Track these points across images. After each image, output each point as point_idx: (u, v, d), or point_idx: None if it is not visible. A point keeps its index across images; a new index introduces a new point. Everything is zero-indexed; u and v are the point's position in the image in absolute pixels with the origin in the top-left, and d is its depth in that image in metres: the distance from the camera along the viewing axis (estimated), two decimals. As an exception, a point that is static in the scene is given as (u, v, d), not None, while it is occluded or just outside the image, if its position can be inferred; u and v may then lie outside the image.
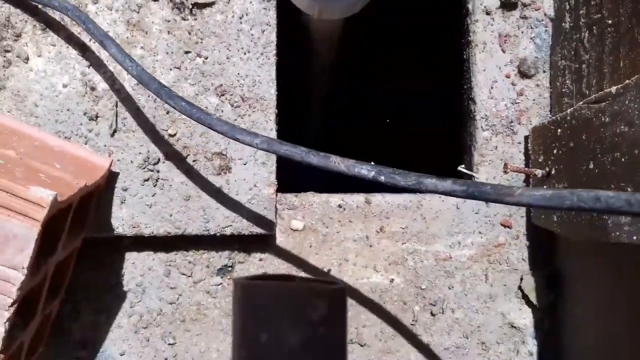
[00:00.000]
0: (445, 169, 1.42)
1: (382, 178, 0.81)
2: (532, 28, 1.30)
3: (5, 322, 0.89)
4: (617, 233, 0.93)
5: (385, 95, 2.18)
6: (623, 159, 0.92)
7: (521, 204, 0.67)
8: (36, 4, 1.11)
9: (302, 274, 1.27)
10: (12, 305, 0.89)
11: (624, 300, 1.06)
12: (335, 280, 0.66)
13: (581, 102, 1.07)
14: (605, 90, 0.98)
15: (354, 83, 2.07)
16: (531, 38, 1.30)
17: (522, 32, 1.30)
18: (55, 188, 0.92)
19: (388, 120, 2.10)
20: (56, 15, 1.13)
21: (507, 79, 1.30)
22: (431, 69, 1.96)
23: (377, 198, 1.31)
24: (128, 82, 1.14)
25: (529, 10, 1.29)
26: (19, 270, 0.87)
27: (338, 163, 0.83)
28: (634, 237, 0.88)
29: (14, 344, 0.96)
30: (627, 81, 0.92)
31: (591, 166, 1.02)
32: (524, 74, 1.30)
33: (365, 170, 0.82)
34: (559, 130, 1.14)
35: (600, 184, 0.98)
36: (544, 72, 1.30)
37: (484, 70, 1.30)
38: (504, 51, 1.30)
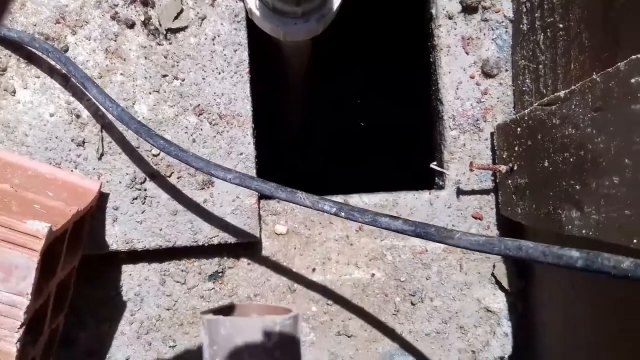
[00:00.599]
0: (418, 163, 1.50)
1: (343, 214, 0.90)
2: (493, 30, 1.36)
3: (16, 343, 0.97)
4: (569, 227, 1.01)
5: (361, 102, 2.26)
6: (572, 159, 1.00)
7: (459, 246, 0.78)
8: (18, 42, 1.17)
9: (288, 276, 1.36)
10: (20, 327, 0.97)
11: (583, 282, 1.15)
12: (289, 308, 0.75)
13: (536, 104, 1.14)
14: (555, 94, 1.05)
15: (326, 89, 2.14)
16: (493, 39, 1.36)
17: (484, 34, 1.36)
18: (50, 217, 1.00)
19: (362, 124, 2.18)
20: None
21: (472, 79, 1.37)
22: (401, 72, 2.03)
23: (355, 199, 1.39)
24: (111, 108, 1.21)
25: (490, 12, 1.36)
26: (23, 296, 0.95)
27: (304, 199, 0.92)
28: (583, 231, 0.96)
29: (26, 360, 1.05)
30: (572, 87, 0.99)
31: (546, 164, 1.09)
32: (487, 74, 1.37)
33: (328, 206, 0.91)
34: (518, 129, 1.21)
35: (554, 181, 1.06)
36: (507, 70, 1.37)
37: (450, 73, 1.37)
38: (467, 53, 1.37)
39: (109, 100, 1.06)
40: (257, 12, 1.07)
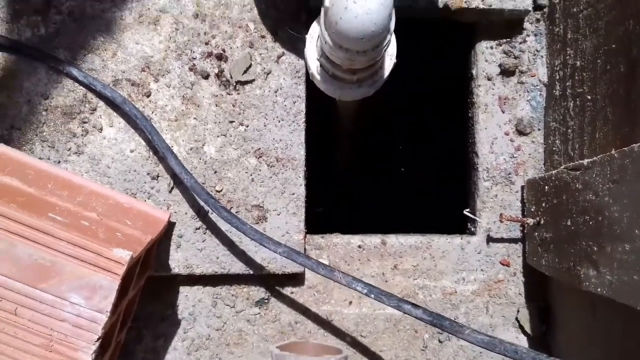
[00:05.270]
0: (451, 208, 1.62)
1: (372, 296, 1.07)
2: (528, 92, 1.49)
3: (92, 354, 1.12)
4: (586, 283, 1.12)
5: (403, 150, 2.42)
6: (591, 222, 1.11)
7: (467, 340, 0.95)
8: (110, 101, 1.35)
9: (327, 307, 1.49)
10: (97, 340, 1.12)
11: (599, 332, 1.24)
12: (339, 349, 0.91)
13: (562, 167, 1.25)
14: (580, 161, 1.17)
15: (375, 141, 2.31)
16: (527, 100, 1.49)
17: (520, 95, 1.49)
18: (130, 245, 1.16)
19: (403, 169, 2.32)
20: (124, 95, 1.36)
21: (506, 136, 1.49)
22: (441, 126, 2.17)
23: (392, 239, 1.51)
24: (183, 148, 1.38)
25: (526, 76, 1.48)
26: (103, 313, 1.11)
27: (340, 277, 1.07)
28: (598, 289, 1.07)
29: (96, 369, 1.20)
30: (594, 157, 1.11)
31: (569, 223, 1.21)
32: (521, 132, 1.49)
33: (360, 287, 1.07)
34: (546, 187, 1.33)
35: (575, 239, 1.17)
36: (539, 130, 1.49)
37: (486, 129, 1.49)
38: (503, 112, 1.49)
39: (185, 172, 1.24)
40: (318, 77, 1.22)
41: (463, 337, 0.99)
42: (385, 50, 1.07)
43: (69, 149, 1.37)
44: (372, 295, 1.10)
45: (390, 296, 1.08)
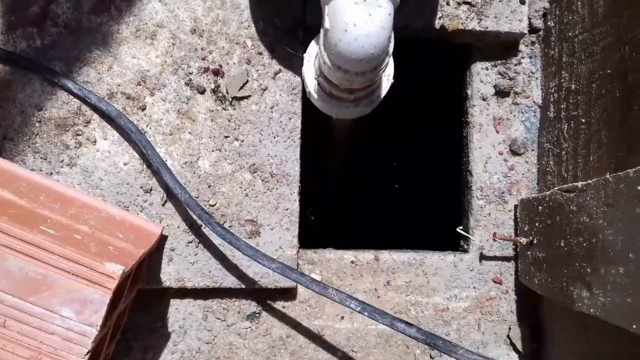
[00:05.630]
0: (445, 226, 1.63)
1: (366, 313, 1.07)
2: (522, 113, 1.50)
3: (81, 368, 1.12)
4: (579, 304, 1.13)
5: (397, 167, 2.44)
6: (585, 244, 1.12)
7: None
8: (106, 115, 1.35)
9: (319, 322, 1.49)
10: (86, 354, 1.11)
11: (590, 352, 1.25)
12: None
13: (556, 188, 1.26)
14: (574, 183, 1.18)
15: (369, 158, 2.33)
16: (522, 121, 1.50)
17: (514, 116, 1.50)
18: (122, 259, 1.15)
19: (396, 186, 2.33)
20: (119, 108, 1.36)
21: (500, 155, 1.50)
22: (435, 145, 2.18)
23: (385, 255, 1.51)
24: (177, 162, 1.37)
25: (520, 97, 1.50)
26: (93, 327, 1.10)
27: (333, 294, 1.07)
28: (591, 310, 1.08)
29: (85, 383, 1.19)
30: (589, 181, 1.12)
31: (562, 244, 1.21)
32: (514, 152, 1.50)
33: (354, 304, 1.07)
34: (539, 207, 1.33)
35: (568, 260, 1.18)
36: (533, 150, 1.50)
37: (480, 148, 1.50)
38: (497, 132, 1.50)
39: (179, 187, 1.23)
40: (315, 95, 1.22)
41: (457, 357, 0.99)
42: (383, 72, 1.07)
43: (62, 161, 1.36)
44: (366, 313, 1.10)
45: (383, 314, 1.08)
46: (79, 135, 1.36)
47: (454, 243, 1.62)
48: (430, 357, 1.51)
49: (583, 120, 1.28)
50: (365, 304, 1.11)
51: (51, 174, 1.35)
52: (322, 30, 1.04)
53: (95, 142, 1.37)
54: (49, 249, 1.09)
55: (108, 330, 1.24)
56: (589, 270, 1.10)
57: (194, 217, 1.37)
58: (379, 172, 2.43)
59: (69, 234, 1.17)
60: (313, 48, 1.23)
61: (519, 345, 1.49)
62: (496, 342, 1.51)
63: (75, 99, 1.35)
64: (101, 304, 1.10)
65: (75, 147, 1.36)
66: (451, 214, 1.66)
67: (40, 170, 1.35)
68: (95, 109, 1.34)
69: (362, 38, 0.92)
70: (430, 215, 2.08)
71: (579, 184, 1.15)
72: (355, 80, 1.04)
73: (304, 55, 1.25)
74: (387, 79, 1.20)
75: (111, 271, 1.09)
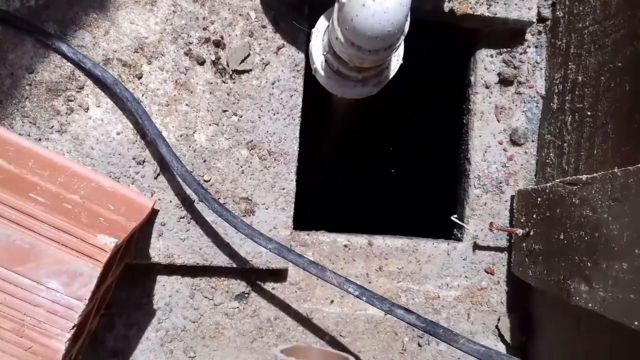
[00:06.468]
0: (439, 213, 1.61)
1: (364, 298, 1.04)
2: (525, 103, 1.48)
3: (65, 342, 1.07)
4: (577, 298, 1.12)
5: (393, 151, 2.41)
6: (586, 238, 1.11)
7: (461, 350, 0.92)
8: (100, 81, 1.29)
9: (308, 305, 1.46)
10: (72, 328, 1.07)
11: (582, 346, 1.25)
12: (346, 356, 0.88)
13: (558, 180, 1.25)
14: (578, 176, 1.17)
15: (365, 140, 2.30)
16: (523, 111, 1.48)
17: (516, 106, 1.48)
18: (113, 231, 1.11)
19: (393, 171, 2.31)
20: (114, 75, 1.30)
21: (500, 145, 1.49)
22: (433, 131, 2.16)
23: (379, 241, 1.49)
24: (173, 134, 1.33)
25: (524, 87, 1.48)
26: (81, 300, 1.06)
27: (331, 277, 1.04)
28: (589, 304, 1.07)
29: (68, 358, 1.15)
30: (594, 174, 1.11)
31: (561, 237, 1.21)
32: (514, 142, 1.48)
33: (352, 288, 1.04)
34: (539, 199, 1.32)
35: (567, 253, 1.17)
36: (533, 141, 1.49)
37: (480, 136, 1.49)
38: (498, 121, 1.49)
39: (176, 160, 1.19)
40: (322, 72, 1.19)
41: (458, 347, 0.97)
42: (395, 51, 1.04)
43: (52, 127, 1.30)
44: (364, 298, 1.07)
45: (382, 300, 1.06)
46: (70, 101, 1.31)
47: (447, 231, 1.61)
48: (419, 344, 1.50)
49: (589, 113, 1.26)
50: (364, 288, 1.09)
51: (40, 139, 1.30)
52: (336, 5, 1.01)
53: (88, 109, 1.31)
54: (38, 217, 1.04)
55: (94, 305, 1.20)
56: (589, 264, 1.09)
57: (189, 192, 1.33)
58: (375, 156, 2.40)
59: (59, 202, 1.12)
60: (322, 23, 1.19)
61: (507, 337, 1.49)
62: (484, 332, 1.51)
63: (69, 63, 1.30)
64: (91, 277, 1.05)
65: (66, 113, 1.31)
66: (446, 202, 1.64)
67: (29, 135, 1.30)
68: (89, 74, 1.29)
69: (380, 14, 0.89)
70: (425, 203, 2.06)
71: (583, 177, 1.14)
72: (367, 58, 1.01)
73: (312, 30, 1.21)
74: (396, 59, 1.17)
75: (103, 244, 1.05)
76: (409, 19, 1.00)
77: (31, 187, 1.13)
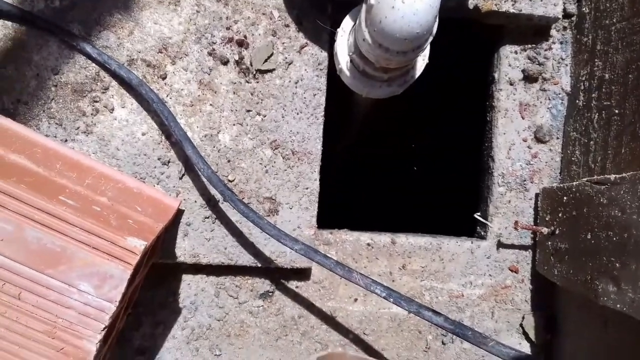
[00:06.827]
0: (462, 211, 1.60)
1: (391, 300, 1.04)
2: (549, 99, 1.47)
3: (97, 343, 1.09)
4: (605, 298, 1.11)
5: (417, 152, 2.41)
6: (615, 238, 1.10)
7: (491, 353, 0.91)
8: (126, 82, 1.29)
9: (332, 303, 1.47)
10: (103, 329, 1.09)
11: (609, 346, 1.24)
12: None
13: (585, 179, 1.24)
14: (606, 176, 1.15)
15: (387, 139, 2.29)
16: (548, 108, 1.47)
17: (541, 102, 1.47)
18: (142, 233, 1.12)
19: (415, 168, 2.30)
20: (139, 75, 1.31)
21: (524, 142, 1.48)
22: (456, 128, 2.14)
23: (402, 239, 1.49)
24: (197, 134, 1.33)
25: (548, 84, 1.46)
26: (112, 303, 1.07)
27: (358, 279, 1.04)
28: (617, 305, 1.06)
29: (99, 359, 1.16)
30: (624, 174, 1.09)
31: (589, 236, 1.19)
32: (539, 139, 1.47)
33: (379, 290, 1.04)
34: (564, 198, 1.31)
35: (594, 253, 1.16)
36: (557, 139, 1.47)
37: (504, 134, 1.47)
38: (523, 118, 1.47)
39: (202, 162, 1.19)
40: (347, 72, 1.18)
41: (487, 349, 0.97)
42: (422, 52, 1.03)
43: (78, 128, 1.31)
44: (391, 299, 1.07)
45: (410, 301, 1.06)
46: (96, 102, 1.32)
47: (471, 230, 1.60)
48: (442, 342, 1.50)
49: (616, 111, 1.25)
50: (391, 290, 1.09)
51: (66, 140, 1.31)
52: (364, 6, 1.00)
53: (113, 110, 1.32)
54: (69, 220, 1.05)
55: (123, 305, 1.21)
56: (617, 265, 1.08)
57: (213, 192, 1.34)
58: (398, 155, 2.40)
59: (88, 205, 1.13)
60: (348, 23, 1.19)
61: (531, 335, 1.48)
62: (509, 330, 1.50)
63: (94, 64, 1.30)
64: (121, 280, 1.07)
65: (92, 114, 1.31)
66: (469, 200, 1.63)
67: (55, 136, 1.31)
68: (114, 75, 1.29)
69: (409, 16, 0.88)
70: (448, 201, 2.06)
71: (612, 176, 1.13)
72: (394, 59, 1.00)
73: (338, 30, 1.20)
74: (422, 59, 1.16)
75: (133, 246, 1.06)
76: (437, 20, 0.99)
77: (60, 190, 1.14)
